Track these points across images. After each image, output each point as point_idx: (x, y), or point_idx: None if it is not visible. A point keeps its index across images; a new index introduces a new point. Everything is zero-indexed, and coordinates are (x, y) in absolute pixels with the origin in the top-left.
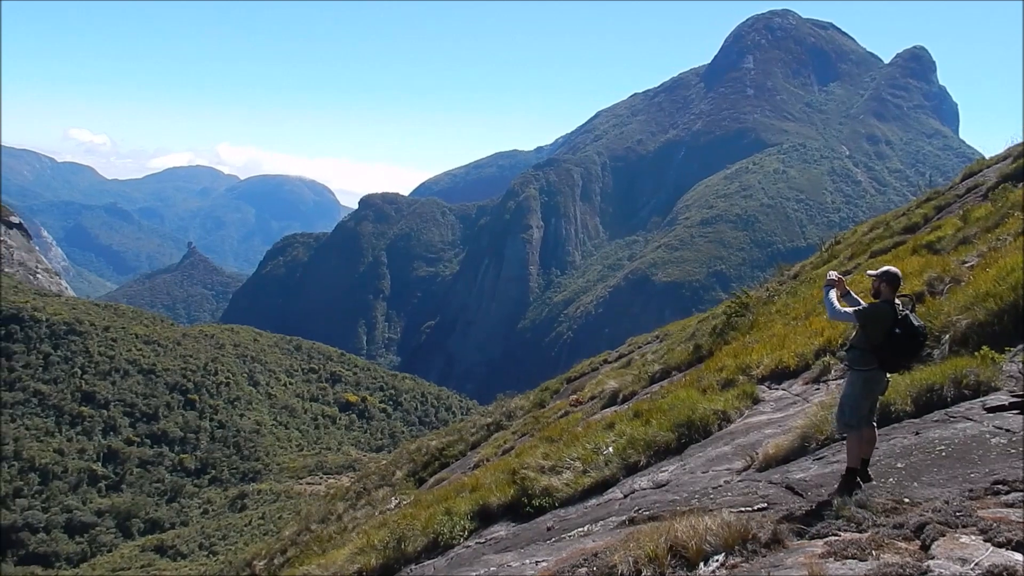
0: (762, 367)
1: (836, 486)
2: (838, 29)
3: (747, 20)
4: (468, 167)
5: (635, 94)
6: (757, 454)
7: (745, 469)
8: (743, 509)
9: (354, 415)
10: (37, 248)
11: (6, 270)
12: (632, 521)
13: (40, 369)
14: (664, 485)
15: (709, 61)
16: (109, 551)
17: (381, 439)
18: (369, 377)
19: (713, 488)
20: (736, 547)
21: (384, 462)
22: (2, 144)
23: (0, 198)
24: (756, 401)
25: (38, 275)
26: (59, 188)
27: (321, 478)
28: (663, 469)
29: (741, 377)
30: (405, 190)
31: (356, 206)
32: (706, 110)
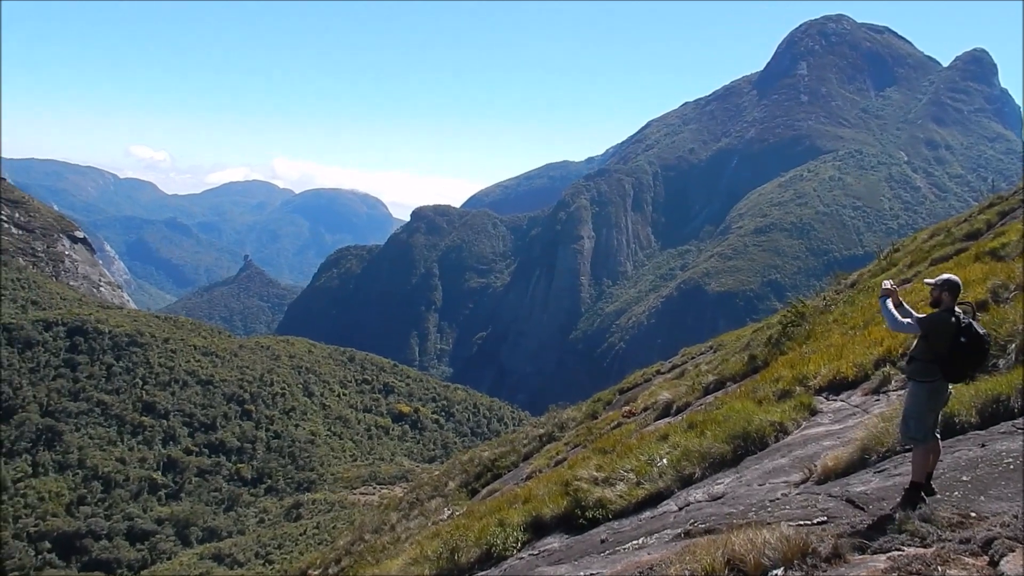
0: (819, 378)
1: (899, 499)
2: (894, 33)
3: (800, 26)
4: (519, 178)
5: (686, 103)
6: (815, 466)
7: (803, 482)
8: (802, 523)
9: (407, 426)
10: (100, 262)
11: (71, 283)
12: (688, 534)
13: (103, 380)
14: (720, 498)
15: (762, 68)
16: (169, 559)
17: (433, 450)
18: (421, 388)
19: (770, 501)
20: (796, 561)
21: (437, 473)
22: (69, 162)
23: (66, 214)
24: (814, 412)
25: (101, 288)
26: (121, 203)
27: (374, 488)
28: (718, 481)
29: (798, 388)
30: (456, 202)
31: (408, 218)
32: (759, 117)
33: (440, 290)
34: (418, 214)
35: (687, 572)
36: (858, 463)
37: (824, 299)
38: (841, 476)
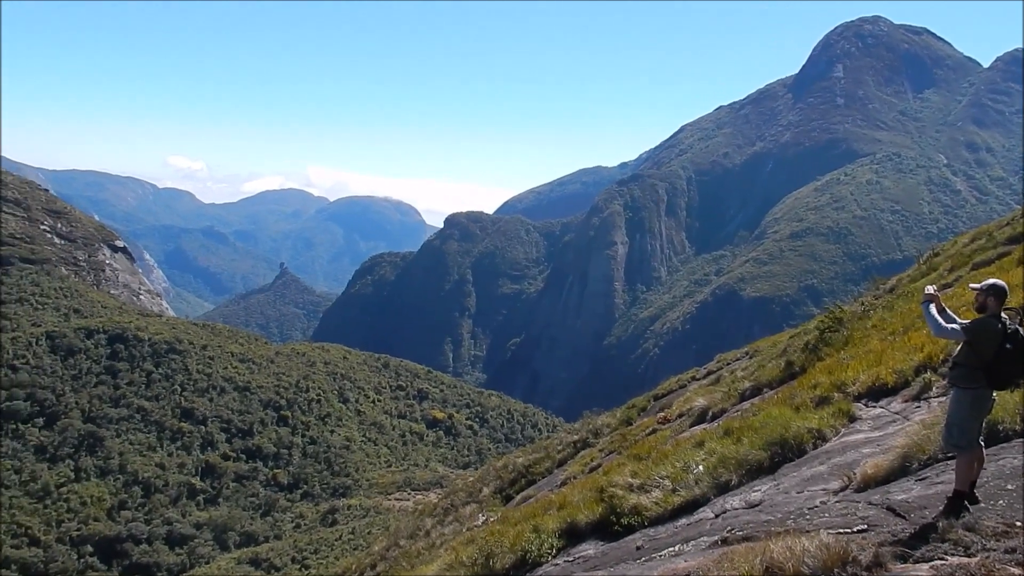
0: (858, 384)
1: (941, 508)
2: (933, 34)
3: (836, 28)
4: (552, 184)
5: (720, 107)
6: (855, 474)
7: (842, 489)
8: (842, 531)
9: (441, 432)
10: (140, 270)
11: (112, 292)
12: (725, 541)
13: (143, 386)
14: (757, 505)
15: (797, 71)
16: (207, 563)
17: (468, 456)
18: (455, 394)
19: (809, 509)
20: (836, 570)
21: (471, 479)
22: (109, 172)
23: (107, 223)
24: (852, 419)
25: (141, 296)
26: (160, 213)
27: (409, 494)
28: (755, 489)
29: (836, 394)
30: (489, 208)
31: (441, 225)
32: (794, 121)
33: (473, 296)
34: (451, 221)
35: None
36: (899, 471)
37: (862, 304)
38: (881, 484)
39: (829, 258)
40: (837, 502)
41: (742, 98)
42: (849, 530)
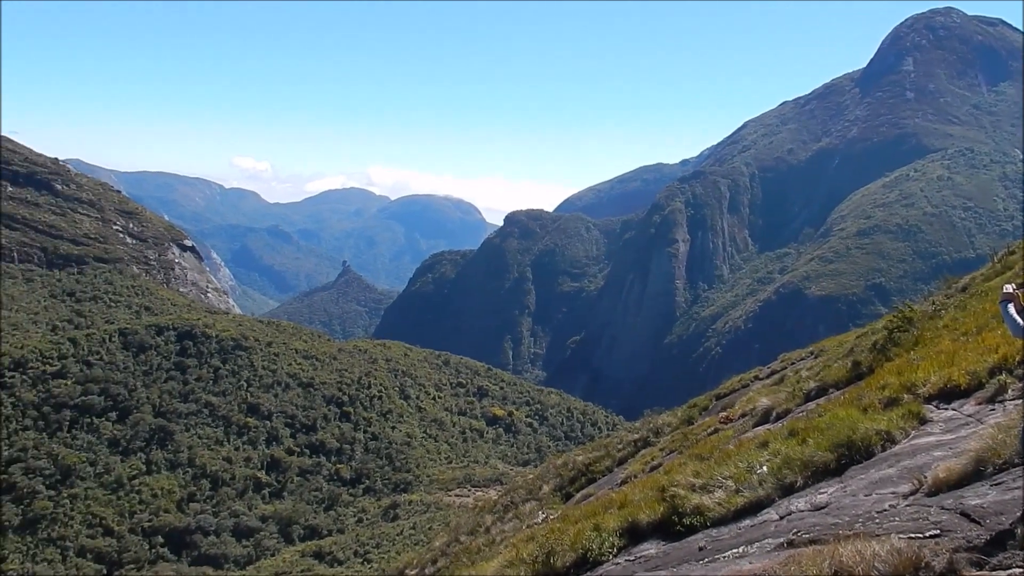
0: (929, 385)
1: (1018, 514)
2: (1008, 25)
3: (906, 21)
4: (612, 182)
5: (785, 102)
6: (926, 477)
7: (912, 493)
8: (913, 535)
9: (501, 429)
10: (208, 269)
11: (181, 290)
12: (791, 544)
13: (211, 382)
14: (823, 507)
15: (864, 65)
16: (272, 555)
17: (527, 453)
18: (515, 392)
19: (878, 512)
20: (907, 575)
21: (531, 476)
22: (178, 173)
23: (176, 223)
24: (923, 421)
25: (208, 294)
26: (227, 212)
27: (469, 490)
28: (821, 491)
29: (906, 396)
30: (549, 206)
31: (501, 223)
32: (862, 116)
33: (533, 294)
34: (511, 219)
35: None
36: (972, 475)
37: (933, 304)
38: (954, 488)
39: (898, 256)
40: (907, 506)
41: (807, 93)
42: (921, 535)
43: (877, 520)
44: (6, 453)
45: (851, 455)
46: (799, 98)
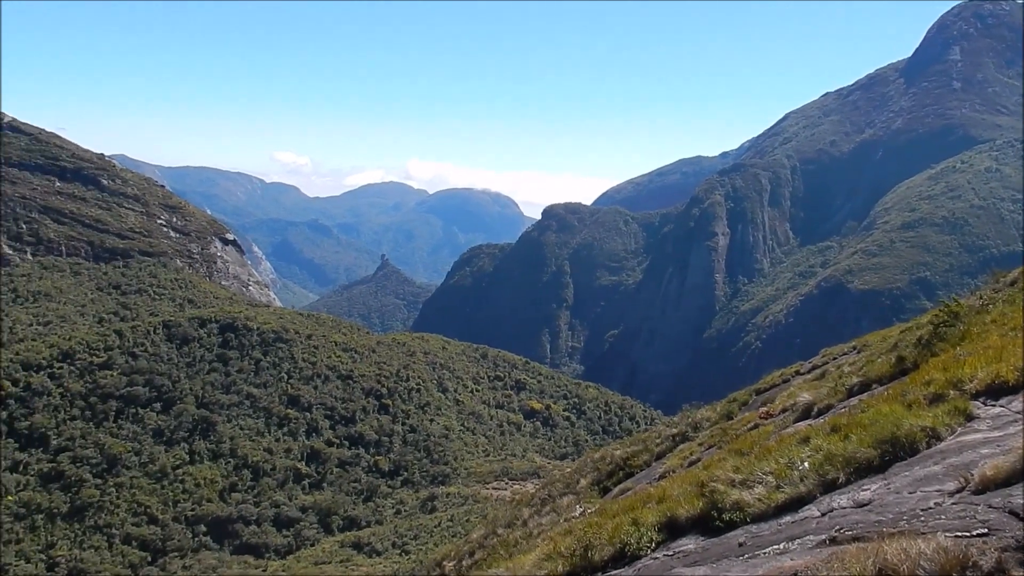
0: (976, 381)
1: None
2: None
3: (952, 9)
4: (651, 175)
5: (827, 93)
6: (972, 475)
7: (958, 491)
8: (960, 534)
9: (538, 422)
10: (249, 262)
11: (223, 283)
12: (834, 541)
13: (252, 374)
14: (866, 504)
15: (910, 55)
16: (312, 545)
17: (565, 447)
18: (553, 385)
19: (923, 510)
20: (954, 574)
21: (568, 470)
22: (220, 168)
23: (218, 217)
24: (969, 418)
25: (250, 287)
26: (268, 207)
27: (506, 483)
28: (864, 488)
29: (952, 392)
30: (588, 200)
31: (539, 217)
32: (906, 107)
33: (571, 288)
34: (549, 212)
35: None
36: (1021, 473)
37: (980, 298)
38: (1002, 486)
39: (943, 249)
40: (953, 504)
41: (850, 84)
42: (968, 534)
43: (922, 518)
44: (55, 442)
45: (895, 452)
46: (842, 89)
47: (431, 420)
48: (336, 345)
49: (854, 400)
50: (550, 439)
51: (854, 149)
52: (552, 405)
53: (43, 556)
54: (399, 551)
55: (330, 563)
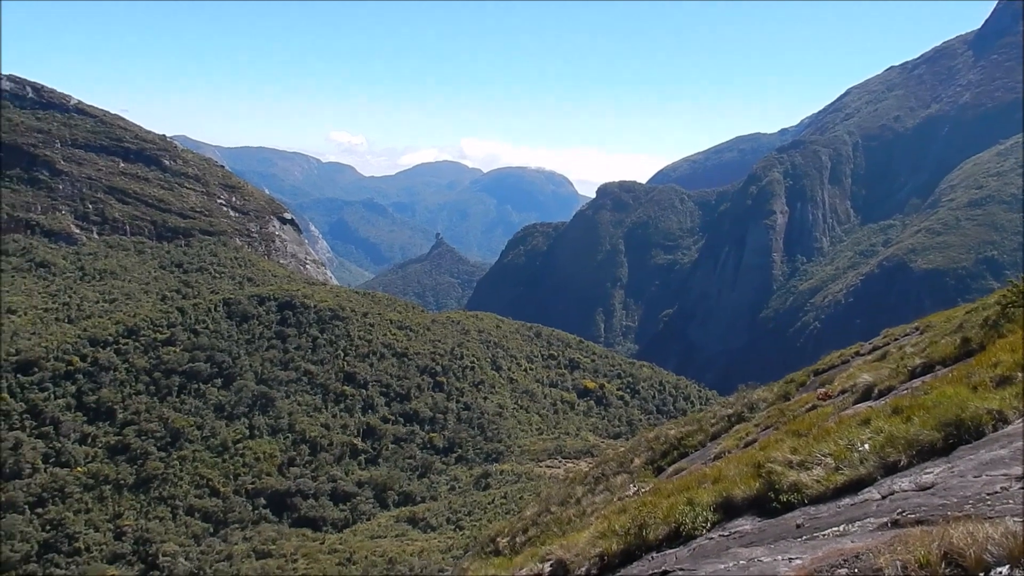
0: None
1: None
2: None
3: None
4: (707, 152)
5: (891, 67)
6: None
7: None
8: None
9: (592, 401)
10: (306, 241)
11: (281, 261)
12: (896, 524)
13: (309, 351)
14: (929, 488)
15: (978, 27)
16: (368, 519)
17: (618, 426)
18: (607, 364)
19: (988, 494)
20: (1022, 559)
21: (622, 449)
22: (277, 148)
23: (276, 197)
24: None
25: (307, 266)
26: (324, 186)
27: (560, 462)
28: (927, 471)
29: (1020, 374)
30: (643, 178)
31: (594, 195)
32: (975, 80)
33: (626, 267)
34: (604, 191)
35: (898, 563)
36: None
37: None
38: None
39: (1012, 228)
40: (1021, 488)
41: (915, 57)
42: None
43: (988, 502)
44: (121, 416)
45: (959, 435)
46: (907, 63)
47: (485, 398)
48: (391, 323)
49: (917, 382)
50: (603, 418)
51: (919, 125)
52: (606, 384)
53: (111, 526)
54: (453, 527)
55: (385, 537)
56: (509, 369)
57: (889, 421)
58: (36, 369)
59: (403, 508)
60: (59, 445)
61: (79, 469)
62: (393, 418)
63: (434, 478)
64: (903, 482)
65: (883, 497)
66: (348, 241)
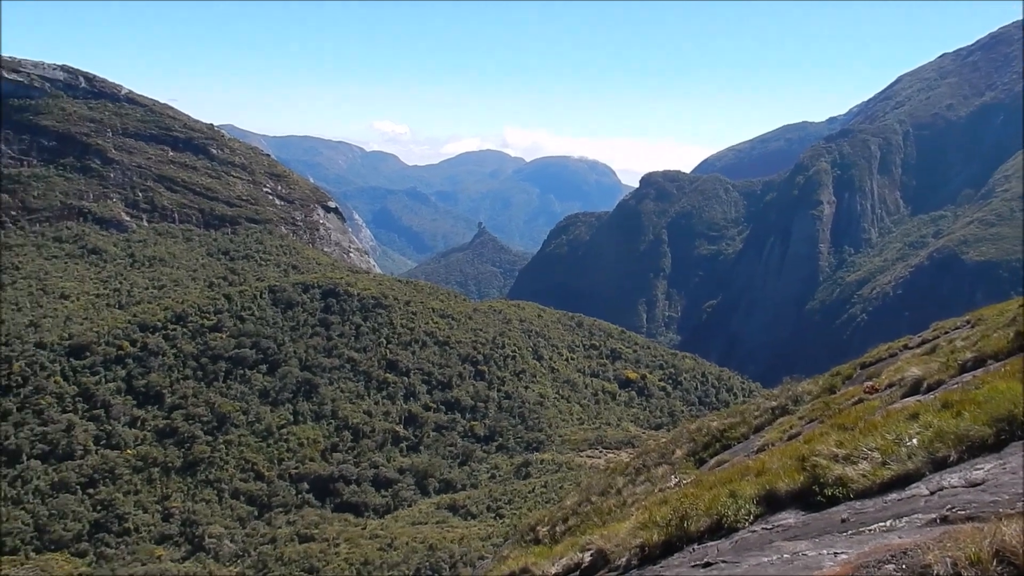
0: None
1: None
2: None
3: None
4: (753, 142)
5: (944, 54)
6: None
7: None
8: None
9: (633, 392)
10: (350, 230)
11: (325, 249)
12: (945, 520)
13: (352, 338)
14: (979, 484)
15: None
16: (409, 506)
17: (660, 417)
18: (649, 355)
19: None
20: None
21: (663, 440)
22: (322, 137)
23: (320, 185)
24: None
25: (351, 254)
26: (368, 175)
27: (600, 452)
28: (977, 467)
29: None
30: (687, 167)
31: (637, 185)
32: None
33: (669, 257)
34: (647, 180)
35: (948, 559)
36: None
37: None
38: None
39: None
40: None
41: (970, 44)
42: None
43: None
44: (169, 400)
45: (1012, 431)
46: (960, 49)
47: (526, 387)
48: (433, 312)
49: (967, 376)
50: (645, 409)
51: (972, 113)
52: (648, 375)
53: (159, 507)
54: (493, 515)
55: (426, 524)
56: (550, 358)
57: (938, 416)
58: (88, 353)
59: (444, 495)
60: (110, 428)
61: (129, 451)
62: (435, 406)
63: (475, 466)
64: (952, 478)
65: (931, 493)
66: (391, 230)
